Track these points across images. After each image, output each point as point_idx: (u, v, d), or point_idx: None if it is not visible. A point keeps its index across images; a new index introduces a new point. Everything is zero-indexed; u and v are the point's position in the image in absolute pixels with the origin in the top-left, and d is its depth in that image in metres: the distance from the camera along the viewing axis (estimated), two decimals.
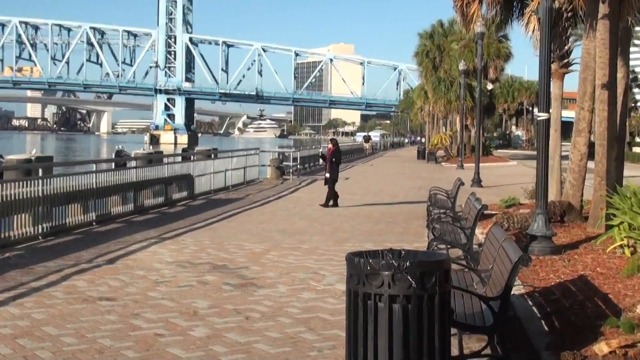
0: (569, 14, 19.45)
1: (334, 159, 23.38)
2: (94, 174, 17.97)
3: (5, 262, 12.48)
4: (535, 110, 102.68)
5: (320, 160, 35.19)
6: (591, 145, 16.82)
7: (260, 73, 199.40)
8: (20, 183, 14.91)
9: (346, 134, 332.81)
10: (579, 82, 16.76)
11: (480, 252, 9.43)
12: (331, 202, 22.56)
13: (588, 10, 16.40)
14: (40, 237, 15.11)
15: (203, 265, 12.44)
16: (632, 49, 18.94)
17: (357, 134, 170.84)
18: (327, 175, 23.29)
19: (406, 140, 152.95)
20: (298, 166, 39.63)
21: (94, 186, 17.77)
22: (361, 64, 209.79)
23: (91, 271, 11.80)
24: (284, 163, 36.84)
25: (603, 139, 15.17)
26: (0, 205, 13.96)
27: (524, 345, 7.64)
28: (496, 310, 6.60)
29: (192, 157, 28.88)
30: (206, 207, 22.12)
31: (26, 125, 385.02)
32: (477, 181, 31.69)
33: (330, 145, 24.65)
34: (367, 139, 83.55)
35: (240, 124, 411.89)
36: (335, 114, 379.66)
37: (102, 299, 9.87)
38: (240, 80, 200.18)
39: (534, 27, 19.48)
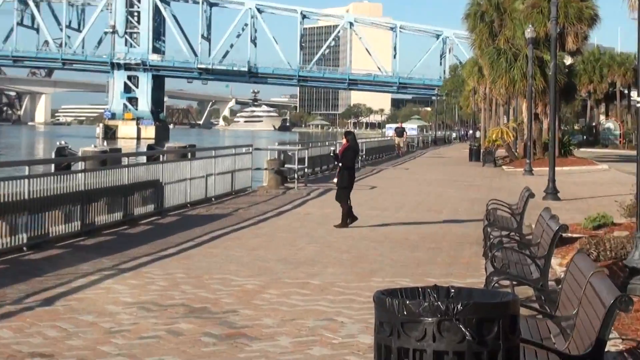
0: None
1: (345, 160, 23.16)
2: (25, 180, 17.97)
3: None
4: (634, 93, 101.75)
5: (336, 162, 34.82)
6: None
7: (254, 42, 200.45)
8: None
9: (372, 125, 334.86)
10: None
11: (560, 292, 9.35)
12: (348, 220, 22.45)
13: None
14: None
15: (175, 307, 12.45)
16: None
17: (387, 125, 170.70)
18: (335, 180, 23.27)
19: (454, 135, 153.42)
20: (306, 170, 39.55)
21: (26, 196, 17.78)
22: (392, 29, 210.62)
23: (20, 315, 11.80)
24: (286, 166, 36.69)
25: None
26: None
27: None
28: None
29: (161, 157, 28.92)
30: (180, 227, 22.19)
31: None
32: (552, 192, 31.58)
33: (344, 140, 24.52)
34: (400, 132, 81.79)
35: (226, 112, 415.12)
36: (357, 98, 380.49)
37: (35, 355, 9.85)
38: (227, 52, 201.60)
39: None
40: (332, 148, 35.06)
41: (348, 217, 22.54)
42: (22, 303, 12.60)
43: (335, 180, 23.36)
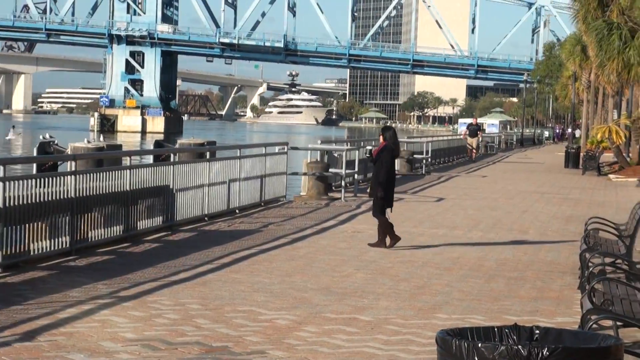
0: None
1: (380, 163, 23.14)
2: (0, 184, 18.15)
3: None
4: None
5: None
6: None
7: (292, 10, 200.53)
8: None
9: (441, 120, 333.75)
10: None
11: None
12: (389, 240, 22.48)
13: None
14: None
15: (188, 346, 12.56)
16: None
17: (461, 120, 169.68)
18: (369, 191, 23.36)
19: (546, 134, 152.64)
20: (356, 176, 39.47)
21: (0, 204, 17.96)
22: None
23: None
24: (331, 170, 36.51)
25: None
26: None
27: None
28: None
29: (172, 156, 29.08)
30: (195, 246, 22.28)
31: None
32: None
33: (381, 138, 24.27)
34: (473, 131, 77.60)
35: (256, 100, 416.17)
36: (423, 84, 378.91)
37: None
38: (258, 22, 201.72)
39: None
40: (369, 147, 34.45)
41: (387, 235, 22.74)
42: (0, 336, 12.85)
43: (369, 190, 23.42)
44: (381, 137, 24.02)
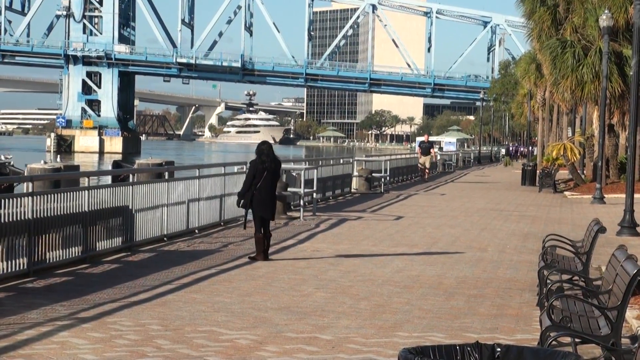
0: None
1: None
2: None
3: None
4: None
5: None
6: None
7: (249, 30, 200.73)
8: None
9: (398, 138, 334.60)
10: None
11: (637, 352, 9.47)
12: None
13: None
14: None
15: None
16: None
17: (418, 138, 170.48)
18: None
19: (503, 151, 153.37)
20: (315, 195, 39.53)
21: None
22: (426, 14, 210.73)
23: None
24: (289, 190, 36.60)
25: None
26: None
27: None
28: None
29: (130, 177, 29.04)
30: (155, 266, 22.31)
31: None
32: (629, 225, 31.61)
33: None
34: (425, 148, 75.64)
35: (214, 120, 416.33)
36: (380, 102, 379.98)
37: None
38: (215, 42, 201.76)
39: None
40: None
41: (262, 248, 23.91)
42: None
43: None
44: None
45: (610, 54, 49.94)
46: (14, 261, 19.68)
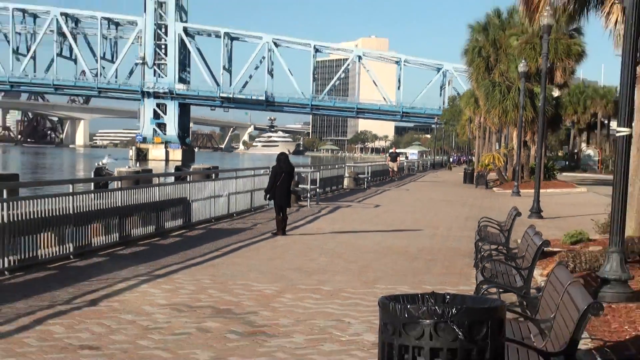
0: None
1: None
2: (70, 197, 18.06)
3: None
4: (613, 123, 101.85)
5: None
6: None
7: (271, 73, 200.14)
8: None
9: (377, 150, 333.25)
10: None
11: (540, 298, 9.53)
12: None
13: None
14: (6, 273, 15.29)
15: (203, 309, 12.59)
16: None
17: (391, 150, 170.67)
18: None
19: (451, 160, 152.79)
20: (317, 190, 39.55)
21: (71, 211, 17.92)
22: (397, 63, 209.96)
23: (70, 314, 11.97)
24: (300, 186, 36.63)
25: None
26: None
27: None
28: None
29: (188, 177, 29.12)
30: (206, 239, 22.25)
31: None
32: (536, 211, 31.67)
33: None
34: (393, 157, 79.01)
35: (246, 137, 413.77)
36: (364, 125, 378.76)
37: (84, 347, 10.04)
38: (247, 82, 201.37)
39: (617, 19, 19.29)
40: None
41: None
42: (71, 304, 12.76)
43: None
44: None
45: (525, 91, 50.00)
46: (109, 235, 19.79)
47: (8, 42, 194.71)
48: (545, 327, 8.25)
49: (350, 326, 11.59)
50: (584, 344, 9.60)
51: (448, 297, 6.09)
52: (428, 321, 5.67)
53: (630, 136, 13.56)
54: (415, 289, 14.46)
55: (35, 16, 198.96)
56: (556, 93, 61.90)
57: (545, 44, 33.69)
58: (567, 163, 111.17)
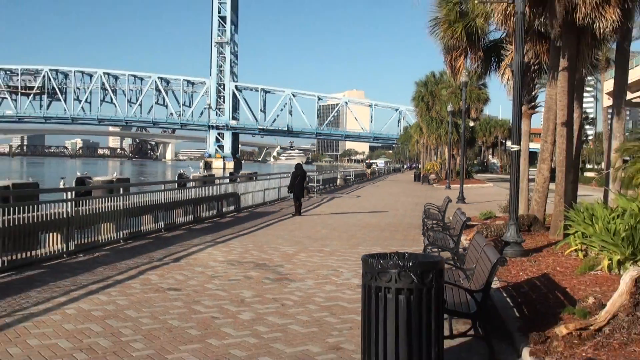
0: (536, 67, 19.53)
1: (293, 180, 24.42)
2: (162, 192, 18.05)
3: (95, 261, 12.61)
4: (508, 142, 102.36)
5: (338, 182, 34.06)
6: (552, 171, 16.79)
7: (290, 113, 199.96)
8: (106, 199, 15.09)
9: (357, 161, 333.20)
10: (543, 121, 16.76)
11: (465, 255, 9.42)
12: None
13: (551, 63, 16.44)
14: (121, 241, 15.22)
15: (248, 263, 12.48)
16: (584, 94, 18.94)
17: (366, 161, 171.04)
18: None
19: (405, 166, 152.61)
20: (320, 186, 39.61)
21: (162, 201, 17.87)
22: (369, 106, 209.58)
23: (161, 267, 11.88)
24: (309, 184, 36.71)
25: (562, 166, 15.17)
26: (90, 216, 14.13)
27: (500, 328, 7.65)
28: (479, 300, 6.64)
29: (237, 179, 29.02)
30: (249, 218, 22.15)
31: (108, 154, 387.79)
32: (461, 199, 31.56)
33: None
34: (368, 165, 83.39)
35: (274, 153, 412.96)
36: (349, 145, 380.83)
37: (171, 289, 9.94)
38: (275, 119, 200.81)
39: (508, 77, 19.62)
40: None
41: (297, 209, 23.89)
42: (162, 260, 12.66)
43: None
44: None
45: (452, 123, 49.96)
46: (187, 217, 19.69)
47: (124, 95, 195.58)
48: (469, 273, 8.14)
49: (343, 274, 11.47)
50: (494, 284, 9.52)
51: (407, 255, 5.95)
52: (394, 270, 5.58)
53: (519, 151, 13.80)
54: (385, 249, 14.33)
55: (141, 79, 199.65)
56: (472, 124, 62.01)
57: (464, 93, 34.35)
58: (479, 168, 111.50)
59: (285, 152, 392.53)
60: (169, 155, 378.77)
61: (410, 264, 5.56)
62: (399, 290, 5.53)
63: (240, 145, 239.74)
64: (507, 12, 15.83)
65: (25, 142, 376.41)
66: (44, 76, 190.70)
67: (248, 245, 15.14)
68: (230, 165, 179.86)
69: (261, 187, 28.80)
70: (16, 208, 11.61)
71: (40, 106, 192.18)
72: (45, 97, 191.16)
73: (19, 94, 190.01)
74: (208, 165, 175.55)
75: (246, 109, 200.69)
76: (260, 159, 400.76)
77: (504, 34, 19.94)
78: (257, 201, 27.81)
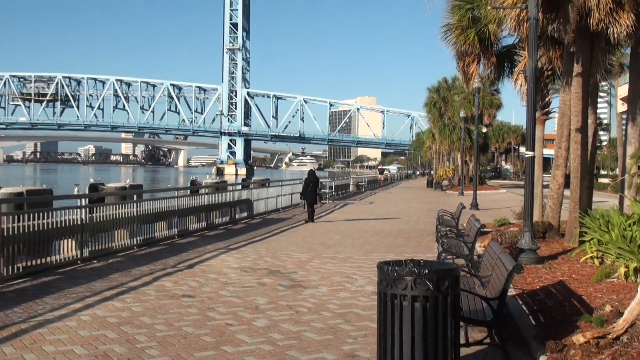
0: (549, 72, 19.47)
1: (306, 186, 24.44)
2: (175, 199, 18.10)
3: (109, 267, 12.67)
4: (522, 149, 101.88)
5: (350, 187, 33.95)
6: (567, 177, 16.72)
7: (302, 119, 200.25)
8: (119, 205, 15.15)
9: (370, 167, 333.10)
10: (557, 127, 16.68)
11: (480, 262, 9.38)
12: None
13: (565, 69, 16.38)
14: (135, 247, 15.27)
15: (261, 270, 12.47)
16: (598, 99, 18.85)
17: (379, 167, 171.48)
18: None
19: (417, 172, 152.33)
20: (333, 193, 39.58)
21: (176, 208, 17.92)
22: (382, 112, 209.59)
23: (175, 274, 11.90)
24: (322, 190, 36.58)
25: (577, 172, 15.09)
26: (104, 222, 14.20)
27: (516, 335, 7.61)
28: (495, 308, 6.61)
29: (250, 185, 29.05)
30: (262, 225, 22.16)
31: (121, 160, 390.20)
32: (475, 205, 31.45)
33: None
34: (381, 171, 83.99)
35: (286, 159, 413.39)
36: (361, 151, 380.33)
37: (184, 296, 9.95)
38: (287, 125, 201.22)
39: (521, 83, 19.54)
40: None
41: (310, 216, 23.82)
42: (176, 267, 12.67)
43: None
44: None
45: (465, 129, 49.82)
46: (200, 223, 19.74)
47: (137, 101, 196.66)
48: (485, 280, 8.11)
49: (356, 281, 11.44)
50: (509, 292, 9.44)
51: (422, 261, 5.94)
52: (410, 278, 5.56)
53: (534, 157, 13.75)
54: (398, 256, 14.31)
55: (154, 85, 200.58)
56: (485, 130, 61.84)
57: (476, 99, 34.16)
58: (492, 174, 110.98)
59: (297, 158, 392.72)
60: (181, 161, 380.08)
61: (426, 271, 5.54)
62: (414, 297, 5.51)
63: (252, 152, 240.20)
64: (520, 17, 15.77)
65: (39, 149, 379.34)
66: (57, 83, 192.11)
67: (261, 251, 15.14)
68: (242, 171, 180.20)
69: (274, 193, 28.79)
70: (31, 215, 11.69)
71: (54, 113, 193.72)
72: (58, 104, 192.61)
73: (33, 101, 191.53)
74: (220, 172, 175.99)
75: (258, 115, 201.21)
76: (272, 165, 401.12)
77: (517, 40, 19.87)
78: (270, 208, 27.77)
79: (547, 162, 41.95)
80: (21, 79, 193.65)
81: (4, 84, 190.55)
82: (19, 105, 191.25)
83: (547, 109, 20.76)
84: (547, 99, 20.74)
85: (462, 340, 7.07)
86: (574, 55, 15.22)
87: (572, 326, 7.46)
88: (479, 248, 14.71)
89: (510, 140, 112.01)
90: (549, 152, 46.62)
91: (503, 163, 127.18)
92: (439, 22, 21.13)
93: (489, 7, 18.29)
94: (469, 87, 27.91)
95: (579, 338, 6.79)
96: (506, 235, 15.65)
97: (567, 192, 15.95)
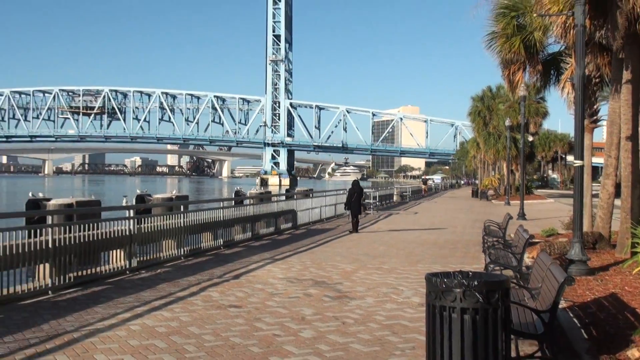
0: (597, 80, 19.13)
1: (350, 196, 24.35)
2: (220, 209, 18.25)
3: (157, 277, 12.84)
4: (569, 157, 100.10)
5: (395, 198, 33.85)
6: (617, 186, 16.36)
7: (345, 129, 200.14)
8: (166, 216, 15.37)
9: (413, 177, 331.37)
10: (607, 135, 16.37)
11: (530, 274, 9.23)
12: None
13: (613, 76, 16.07)
14: (182, 258, 15.45)
15: (307, 281, 12.50)
16: None
17: (422, 177, 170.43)
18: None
19: (462, 182, 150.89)
20: (377, 203, 39.46)
21: (221, 218, 18.06)
22: (425, 121, 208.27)
23: (222, 284, 11.99)
24: (366, 201, 36.50)
25: (628, 181, 14.78)
26: (151, 233, 14.41)
27: (567, 349, 7.46)
28: (546, 320, 6.50)
29: (294, 196, 29.17)
30: (306, 235, 22.20)
31: (167, 171, 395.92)
32: (522, 215, 30.99)
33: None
34: (424, 181, 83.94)
35: (329, 170, 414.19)
36: (405, 161, 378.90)
37: (231, 306, 10.01)
38: (330, 135, 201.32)
39: (568, 91, 19.26)
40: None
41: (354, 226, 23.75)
42: (223, 277, 12.77)
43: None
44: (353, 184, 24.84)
45: (510, 138, 49.25)
46: (245, 234, 19.87)
47: (182, 113, 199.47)
48: (535, 293, 7.98)
49: (403, 292, 11.37)
50: (560, 305, 9.26)
51: (470, 273, 5.87)
52: (458, 290, 5.51)
53: (582, 166, 13.50)
54: (444, 267, 14.19)
55: (198, 98, 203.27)
56: (530, 138, 60.81)
57: (522, 108, 33.76)
58: (539, 183, 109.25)
59: (340, 168, 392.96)
60: (225, 172, 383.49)
61: (475, 283, 5.48)
62: (464, 309, 5.46)
63: (295, 162, 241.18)
64: (567, 24, 15.53)
65: (87, 161, 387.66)
66: (104, 96, 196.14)
67: (306, 262, 15.16)
68: (286, 182, 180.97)
69: (317, 204, 28.83)
70: (81, 226, 11.93)
71: (101, 125, 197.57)
72: (105, 116, 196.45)
73: (81, 114, 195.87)
74: (264, 182, 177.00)
75: (301, 125, 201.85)
76: (315, 176, 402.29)
77: (563, 47, 19.61)
78: (314, 218, 27.82)
79: (595, 171, 41.12)
80: (70, 93, 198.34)
81: (54, 97, 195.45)
82: (68, 118, 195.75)
83: (595, 117, 20.39)
84: (595, 107, 20.37)
85: (513, 354, 6.97)
86: (623, 62, 14.94)
87: (626, 340, 7.29)
88: (527, 259, 14.48)
89: (557, 149, 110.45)
90: (597, 160, 45.71)
91: (550, 172, 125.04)
92: (483, 30, 20.99)
93: (534, 14, 18.07)
94: (514, 96, 27.48)
95: (634, 352, 6.63)
96: (555, 246, 15.37)
97: (617, 202, 15.59)
